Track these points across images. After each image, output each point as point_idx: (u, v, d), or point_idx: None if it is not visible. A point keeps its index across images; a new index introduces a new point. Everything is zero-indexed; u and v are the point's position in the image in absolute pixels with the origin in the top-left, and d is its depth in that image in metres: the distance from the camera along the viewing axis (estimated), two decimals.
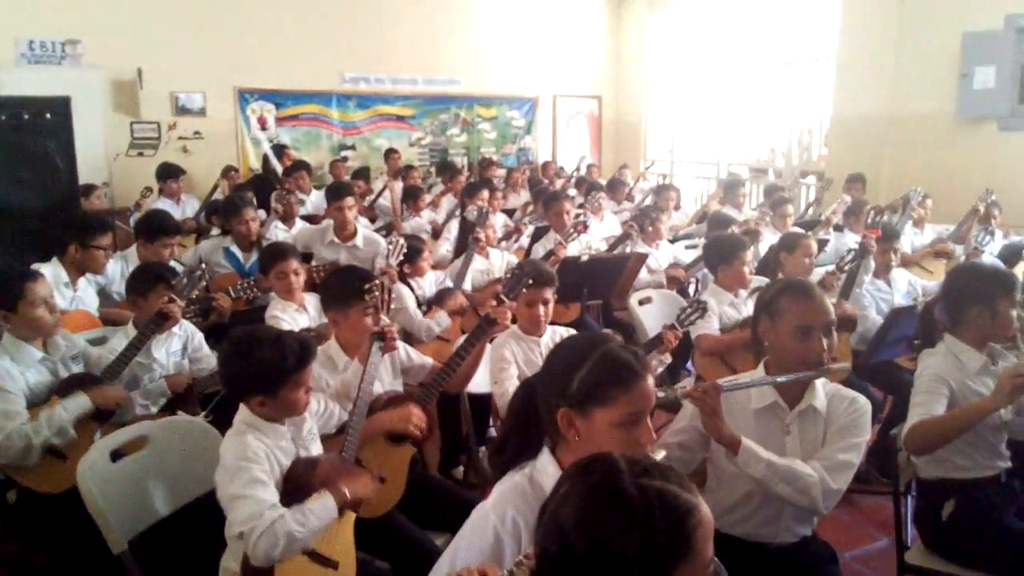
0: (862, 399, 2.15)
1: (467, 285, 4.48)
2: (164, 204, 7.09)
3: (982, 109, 6.87)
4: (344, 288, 2.73)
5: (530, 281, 2.87)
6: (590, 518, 1.05)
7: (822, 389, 2.17)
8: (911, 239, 5.89)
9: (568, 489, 1.10)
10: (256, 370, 2.03)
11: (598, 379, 1.51)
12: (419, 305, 4.14)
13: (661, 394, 2.02)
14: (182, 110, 9.01)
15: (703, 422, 2.02)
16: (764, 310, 2.21)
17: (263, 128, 9.57)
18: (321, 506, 2.02)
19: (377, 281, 2.66)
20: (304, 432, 2.26)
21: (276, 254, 3.68)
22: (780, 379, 2.08)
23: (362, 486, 2.17)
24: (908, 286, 4.35)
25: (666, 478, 1.09)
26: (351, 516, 2.25)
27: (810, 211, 7.22)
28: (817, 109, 8.93)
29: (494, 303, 2.78)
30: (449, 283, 4.48)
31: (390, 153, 9.45)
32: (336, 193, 5.02)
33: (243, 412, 2.13)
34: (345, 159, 9.74)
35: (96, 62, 8.30)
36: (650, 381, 1.54)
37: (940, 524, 2.46)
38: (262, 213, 6.19)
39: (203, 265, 3.92)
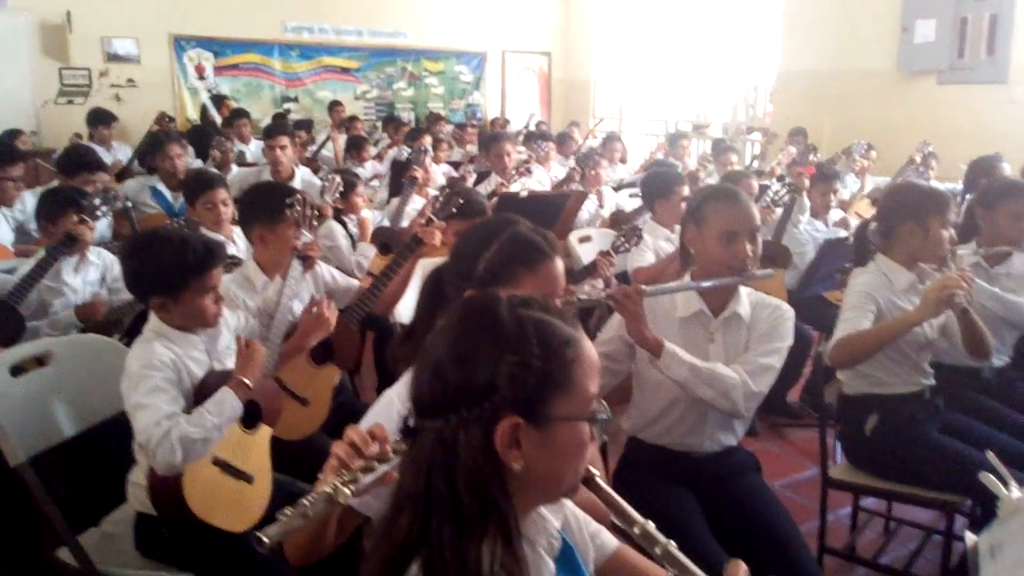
0: (785, 306, 2.14)
1: (404, 224, 4.38)
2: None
3: (922, 63, 6.95)
4: (268, 203, 2.63)
5: (460, 201, 2.81)
6: (462, 345, 0.99)
7: (746, 297, 2.16)
8: (851, 190, 5.94)
9: (445, 322, 1.04)
10: (155, 267, 1.95)
11: (504, 259, 1.46)
12: (352, 243, 4.05)
13: (584, 296, 1.98)
14: (114, 56, 8.65)
15: (627, 327, 1.99)
16: (691, 217, 2.18)
17: (201, 77, 9.24)
18: (215, 402, 1.93)
19: (298, 195, 2.56)
20: (220, 346, 2.17)
21: (203, 182, 3.52)
22: (704, 284, 2.06)
23: (254, 365, 2.05)
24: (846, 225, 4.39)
25: (547, 311, 1.03)
26: (267, 431, 2.18)
27: (755, 164, 7.25)
28: (763, 66, 8.97)
29: (423, 222, 2.71)
30: (386, 222, 4.39)
31: (334, 105, 9.22)
32: (271, 132, 4.93)
33: (152, 320, 2.04)
34: (288, 112, 9.47)
35: (22, 4, 7.92)
36: (558, 264, 1.49)
37: (863, 439, 2.50)
38: (199, 163, 6.01)
39: (128, 202, 3.77)
